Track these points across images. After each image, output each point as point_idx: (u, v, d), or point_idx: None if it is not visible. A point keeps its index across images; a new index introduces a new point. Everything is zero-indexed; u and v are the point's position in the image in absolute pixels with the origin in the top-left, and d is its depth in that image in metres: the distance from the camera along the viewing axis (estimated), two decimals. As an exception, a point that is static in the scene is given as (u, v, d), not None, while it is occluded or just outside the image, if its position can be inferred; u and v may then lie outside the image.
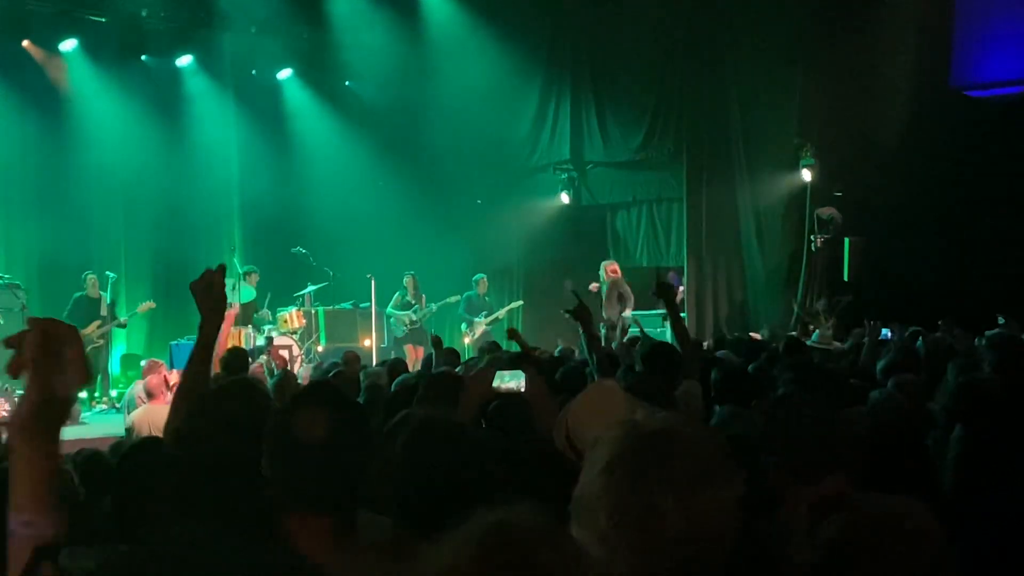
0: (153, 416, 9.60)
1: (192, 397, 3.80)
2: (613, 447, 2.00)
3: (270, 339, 15.34)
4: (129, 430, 9.82)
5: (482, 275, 18.44)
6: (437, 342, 10.73)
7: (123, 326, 17.28)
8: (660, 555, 1.90)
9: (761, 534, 2.70)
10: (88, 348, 15.81)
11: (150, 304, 17.43)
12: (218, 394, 3.70)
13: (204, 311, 4.02)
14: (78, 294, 16.41)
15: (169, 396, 9.79)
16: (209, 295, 4.03)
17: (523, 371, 5.31)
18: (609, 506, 1.94)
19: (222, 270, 4.04)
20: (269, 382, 8.99)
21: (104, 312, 16.42)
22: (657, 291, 7.44)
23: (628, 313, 16.88)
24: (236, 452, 3.13)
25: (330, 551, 2.65)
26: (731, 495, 1.97)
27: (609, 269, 17.49)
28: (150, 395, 10.34)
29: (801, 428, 3.26)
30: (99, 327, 16.19)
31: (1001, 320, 13.65)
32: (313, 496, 2.73)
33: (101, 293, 16.51)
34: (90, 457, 5.47)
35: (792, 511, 2.77)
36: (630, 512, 1.92)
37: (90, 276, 16.48)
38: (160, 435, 9.83)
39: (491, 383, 5.09)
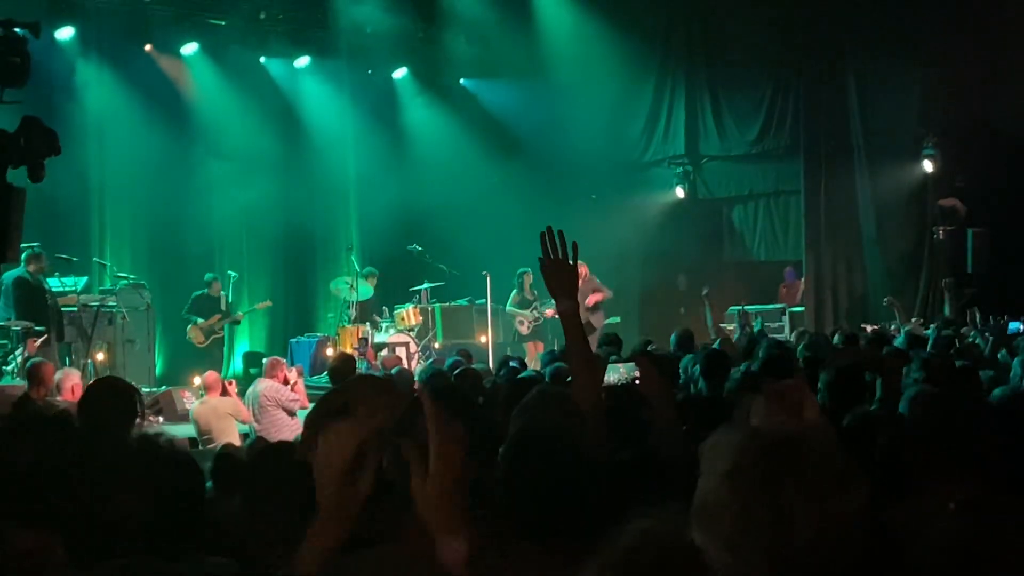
0: (212, 407, 10.74)
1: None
2: (737, 453, 1.95)
3: (364, 340, 15.43)
4: (195, 421, 10.75)
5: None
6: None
7: (238, 321, 17.64)
8: (787, 562, 1.86)
9: (892, 524, 2.63)
10: (210, 339, 16.62)
11: (267, 303, 17.89)
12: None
13: None
14: (198, 292, 16.92)
15: (226, 387, 11.29)
16: None
17: (636, 363, 5.07)
18: (736, 512, 1.89)
19: None
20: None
21: (223, 307, 16.91)
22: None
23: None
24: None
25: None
26: (858, 499, 1.92)
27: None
28: (207, 389, 11.17)
29: (944, 423, 3.18)
30: (219, 320, 16.85)
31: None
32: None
33: (222, 293, 16.99)
34: (222, 454, 5.55)
35: (931, 505, 2.68)
36: (758, 519, 1.87)
37: (215, 280, 16.92)
38: (217, 425, 10.60)
39: (601, 377, 4.85)
